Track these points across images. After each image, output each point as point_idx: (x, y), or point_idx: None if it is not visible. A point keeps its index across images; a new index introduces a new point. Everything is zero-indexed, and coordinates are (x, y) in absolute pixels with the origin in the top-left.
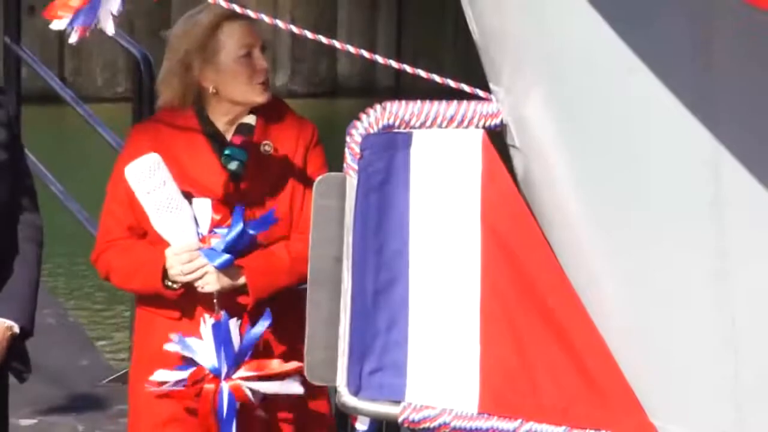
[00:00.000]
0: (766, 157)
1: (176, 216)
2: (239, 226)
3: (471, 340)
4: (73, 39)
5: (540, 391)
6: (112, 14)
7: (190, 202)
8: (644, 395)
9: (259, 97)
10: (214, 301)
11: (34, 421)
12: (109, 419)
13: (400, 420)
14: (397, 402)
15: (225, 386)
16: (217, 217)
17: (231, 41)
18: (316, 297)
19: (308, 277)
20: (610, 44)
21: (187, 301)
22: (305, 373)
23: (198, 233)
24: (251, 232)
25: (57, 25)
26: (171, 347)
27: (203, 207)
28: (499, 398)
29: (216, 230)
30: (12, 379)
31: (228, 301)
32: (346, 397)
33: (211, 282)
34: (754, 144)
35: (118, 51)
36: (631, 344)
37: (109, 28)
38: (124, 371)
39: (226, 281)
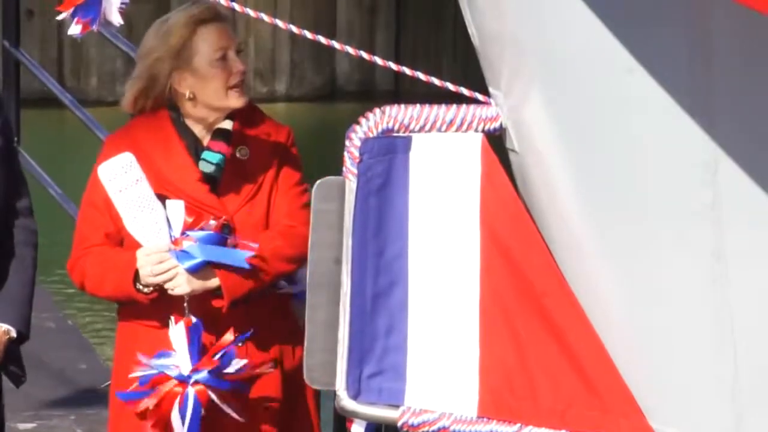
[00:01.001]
0: (765, 159)
1: (148, 216)
2: (210, 231)
3: (470, 344)
4: (73, 31)
5: (539, 395)
6: (117, 6)
7: (164, 204)
8: (642, 398)
9: (236, 102)
10: (185, 305)
11: (33, 424)
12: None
13: (399, 424)
14: (397, 406)
15: (191, 391)
16: (190, 220)
17: (205, 45)
18: (315, 300)
19: (307, 280)
20: (608, 46)
21: (166, 311)
22: (304, 377)
23: (170, 235)
24: (225, 235)
25: (62, 15)
26: (151, 362)
27: (176, 209)
28: (498, 402)
29: (188, 232)
30: (10, 384)
31: (202, 305)
32: (346, 401)
33: (181, 284)
34: (753, 146)
35: (117, 54)
36: (630, 347)
37: (116, 19)
38: None
39: (197, 284)
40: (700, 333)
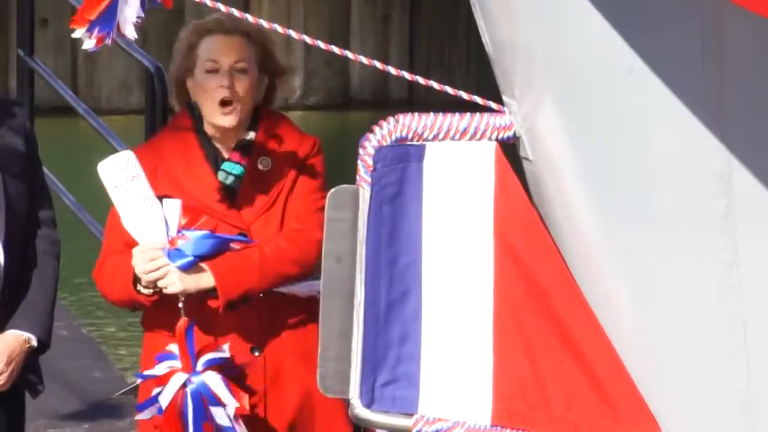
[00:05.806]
0: None
1: (144, 213)
2: (205, 231)
3: (484, 353)
4: (88, 45)
5: (552, 404)
6: (132, 20)
7: (162, 203)
8: (656, 407)
9: (221, 121)
10: (180, 305)
11: None
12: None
13: None
14: (410, 414)
15: (189, 393)
16: (184, 221)
17: (203, 56)
18: (328, 308)
19: (321, 288)
20: (621, 54)
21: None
22: (317, 385)
23: (167, 234)
24: (222, 236)
25: (77, 33)
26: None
27: (173, 208)
28: (511, 411)
29: (184, 231)
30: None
31: (199, 306)
32: (359, 410)
33: (174, 282)
34: (767, 154)
35: (131, 63)
36: (643, 356)
37: (130, 33)
38: (136, 384)
39: (189, 282)
40: (713, 343)
